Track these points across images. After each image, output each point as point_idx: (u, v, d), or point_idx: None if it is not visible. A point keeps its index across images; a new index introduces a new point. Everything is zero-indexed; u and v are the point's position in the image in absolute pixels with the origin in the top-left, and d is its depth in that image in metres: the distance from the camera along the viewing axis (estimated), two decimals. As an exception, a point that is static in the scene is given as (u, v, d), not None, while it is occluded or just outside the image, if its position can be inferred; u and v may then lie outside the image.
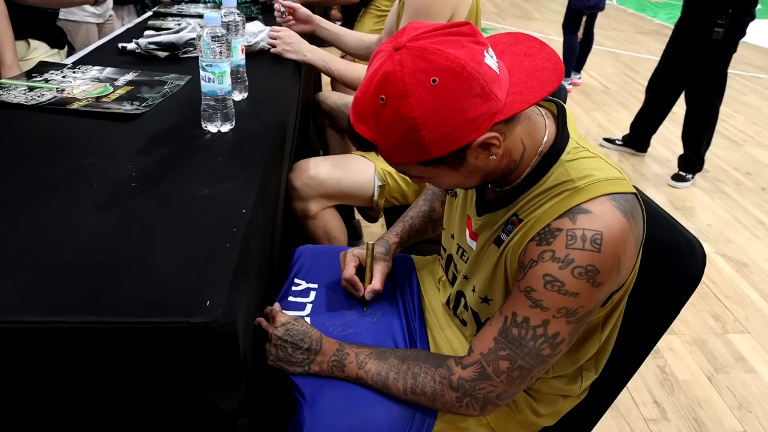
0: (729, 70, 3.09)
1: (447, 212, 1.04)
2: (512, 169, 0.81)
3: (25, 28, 1.65)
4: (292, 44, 1.59)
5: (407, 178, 1.52)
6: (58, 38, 1.82)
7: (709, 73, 3.12)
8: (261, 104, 1.31)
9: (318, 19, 1.78)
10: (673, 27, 3.26)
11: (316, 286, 1.11)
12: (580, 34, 4.39)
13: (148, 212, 0.83)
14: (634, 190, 0.78)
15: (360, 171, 1.51)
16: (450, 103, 0.68)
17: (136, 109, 1.20)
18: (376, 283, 1.06)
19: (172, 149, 1.04)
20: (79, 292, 0.66)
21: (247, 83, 1.33)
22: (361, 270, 1.08)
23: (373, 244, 1.08)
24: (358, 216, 2.15)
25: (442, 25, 0.71)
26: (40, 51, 1.70)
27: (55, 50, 1.81)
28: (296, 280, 1.12)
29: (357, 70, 1.53)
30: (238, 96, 1.31)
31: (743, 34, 3.15)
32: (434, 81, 0.67)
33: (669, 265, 0.92)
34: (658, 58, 3.27)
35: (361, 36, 1.86)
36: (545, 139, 0.80)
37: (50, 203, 0.84)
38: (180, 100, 1.29)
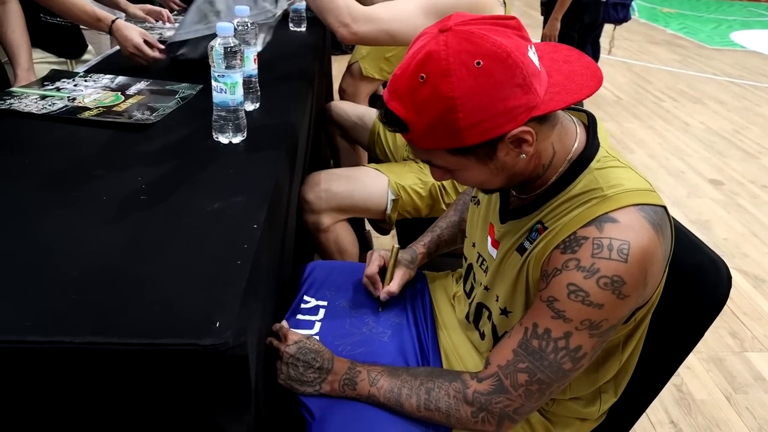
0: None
1: (469, 220, 1.03)
2: (539, 174, 0.79)
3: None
4: None
5: (420, 191, 1.52)
6: (64, 48, 1.81)
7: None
8: (273, 115, 1.29)
9: None
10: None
11: (325, 303, 1.09)
12: (609, 46, 4.50)
13: (156, 227, 0.82)
14: (664, 204, 0.75)
15: (373, 184, 1.49)
16: (491, 88, 0.66)
17: (147, 119, 1.19)
18: (393, 285, 1.06)
19: (183, 161, 1.03)
20: (84, 311, 0.64)
21: (259, 93, 1.32)
22: (383, 271, 1.09)
23: (398, 248, 1.09)
24: (368, 227, 2.12)
25: (489, 16, 0.70)
26: (35, 57, 1.69)
27: (62, 60, 1.80)
28: (306, 297, 1.09)
29: None
30: (249, 106, 1.30)
31: (579, 18, 3.41)
32: (478, 63, 0.66)
33: (692, 286, 0.89)
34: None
35: None
36: (575, 146, 0.79)
37: (57, 216, 0.82)
38: (191, 110, 1.27)
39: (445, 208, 1.53)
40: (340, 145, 2.01)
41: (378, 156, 1.79)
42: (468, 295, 1.01)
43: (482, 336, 0.96)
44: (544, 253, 0.77)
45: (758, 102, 4.84)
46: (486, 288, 0.92)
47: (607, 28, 4.29)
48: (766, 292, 2.29)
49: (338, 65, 2.48)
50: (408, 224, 1.63)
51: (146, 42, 1.53)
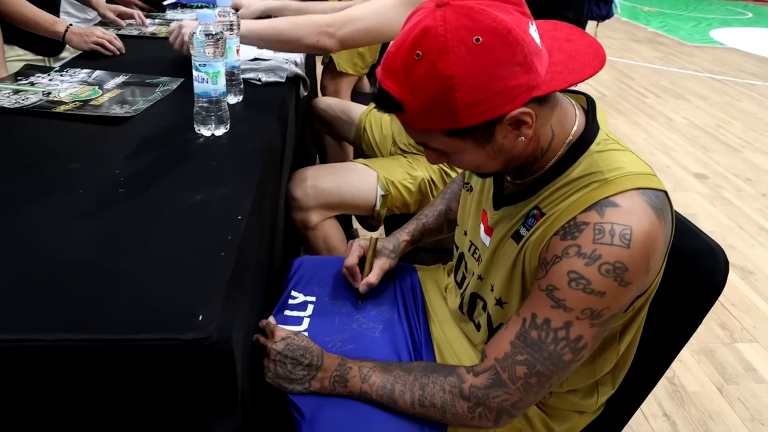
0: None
1: (461, 208, 1.00)
2: (537, 158, 0.77)
3: None
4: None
5: (410, 186, 1.50)
6: (41, 46, 1.76)
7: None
8: (257, 108, 1.26)
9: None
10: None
11: (314, 299, 1.05)
12: None
13: (136, 219, 0.78)
14: (665, 188, 0.73)
15: (362, 180, 1.46)
16: (490, 67, 0.63)
17: (126, 112, 1.15)
18: (372, 276, 1.04)
19: (163, 153, 0.99)
20: (57, 307, 0.60)
21: (242, 86, 1.28)
22: (363, 261, 1.06)
23: (376, 239, 1.06)
24: (356, 224, 2.09)
25: None
26: (10, 55, 1.65)
27: (39, 57, 1.75)
28: (293, 293, 1.06)
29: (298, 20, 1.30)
30: (233, 99, 1.26)
31: (563, 14, 3.34)
32: (477, 40, 0.62)
33: (690, 272, 0.87)
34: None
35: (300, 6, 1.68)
36: (574, 129, 0.76)
37: (30, 210, 0.78)
38: (172, 102, 1.23)
39: (433, 203, 1.51)
40: (326, 141, 1.98)
41: (365, 151, 1.76)
42: (459, 285, 0.98)
43: (477, 327, 0.93)
44: (543, 239, 0.75)
45: (739, 97, 4.89)
46: (480, 277, 0.90)
47: (590, 25, 4.31)
48: (753, 283, 2.30)
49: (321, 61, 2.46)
50: (396, 220, 1.60)
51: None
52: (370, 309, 1.05)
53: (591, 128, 0.76)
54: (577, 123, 0.76)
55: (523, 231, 0.79)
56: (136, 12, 2.01)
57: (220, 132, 1.08)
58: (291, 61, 1.59)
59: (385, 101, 0.69)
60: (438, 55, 0.63)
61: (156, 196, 0.84)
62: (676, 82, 5.17)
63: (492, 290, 0.87)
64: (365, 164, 1.51)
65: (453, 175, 1.48)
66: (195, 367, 0.59)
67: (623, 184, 0.70)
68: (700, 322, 0.88)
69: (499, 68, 0.63)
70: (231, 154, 1.01)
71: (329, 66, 2.40)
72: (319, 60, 1.88)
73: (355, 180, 1.46)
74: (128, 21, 1.98)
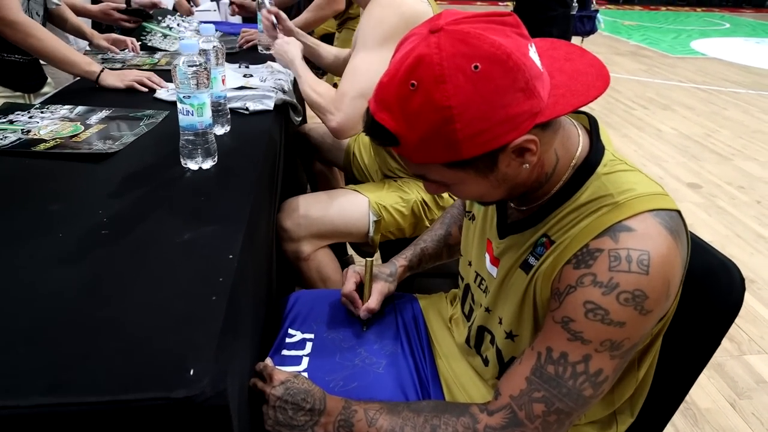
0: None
1: (464, 237, 0.96)
2: (541, 183, 0.73)
3: None
4: (287, 53, 1.45)
5: (402, 210, 1.46)
6: (22, 83, 1.72)
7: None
8: (244, 138, 1.22)
9: (298, 32, 1.69)
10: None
11: (312, 336, 1.00)
12: None
13: (120, 264, 0.73)
14: (678, 208, 0.70)
15: (353, 206, 1.42)
16: (491, 95, 0.59)
17: (109, 148, 1.10)
18: (372, 301, 1.00)
19: (149, 190, 0.95)
20: (35, 368, 0.55)
21: (229, 116, 1.24)
22: (361, 287, 1.02)
23: (372, 261, 1.02)
24: (351, 251, 2.04)
25: (484, 12, 0.63)
26: None
27: (18, 93, 1.71)
28: (290, 331, 1.01)
29: (318, 91, 1.34)
30: (220, 130, 1.22)
31: (548, 31, 3.40)
32: (476, 67, 0.59)
33: (704, 292, 0.83)
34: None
35: (338, 53, 1.78)
36: (578, 151, 0.72)
37: (6, 256, 0.73)
38: (157, 136, 1.19)
39: (429, 225, 1.47)
40: (316, 168, 1.94)
41: (356, 176, 1.73)
42: (467, 317, 0.94)
43: (485, 362, 0.88)
44: (554, 269, 0.71)
45: (725, 106, 4.94)
46: (487, 310, 0.85)
47: (574, 40, 4.35)
48: (756, 292, 2.27)
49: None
50: (393, 246, 1.56)
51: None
52: (372, 342, 1.00)
53: (596, 149, 0.73)
54: (581, 145, 0.73)
55: (532, 260, 0.75)
56: (130, 39, 2.00)
57: (207, 165, 1.04)
58: (279, 89, 1.56)
59: (379, 134, 0.65)
60: (435, 84, 0.60)
61: (141, 238, 0.79)
62: (662, 93, 5.21)
63: (500, 323, 0.82)
64: (356, 190, 1.47)
65: (446, 196, 1.44)
66: (188, 425, 0.54)
67: (635, 206, 0.67)
68: (719, 343, 0.84)
69: (500, 96, 0.60)
70: (220, 188, 0.97)
71: None
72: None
73: (346, 207, 1.42)
74: (122, 48, 1.97)
